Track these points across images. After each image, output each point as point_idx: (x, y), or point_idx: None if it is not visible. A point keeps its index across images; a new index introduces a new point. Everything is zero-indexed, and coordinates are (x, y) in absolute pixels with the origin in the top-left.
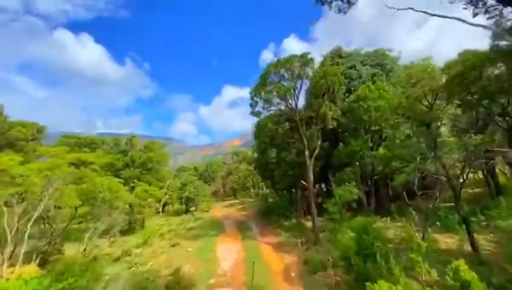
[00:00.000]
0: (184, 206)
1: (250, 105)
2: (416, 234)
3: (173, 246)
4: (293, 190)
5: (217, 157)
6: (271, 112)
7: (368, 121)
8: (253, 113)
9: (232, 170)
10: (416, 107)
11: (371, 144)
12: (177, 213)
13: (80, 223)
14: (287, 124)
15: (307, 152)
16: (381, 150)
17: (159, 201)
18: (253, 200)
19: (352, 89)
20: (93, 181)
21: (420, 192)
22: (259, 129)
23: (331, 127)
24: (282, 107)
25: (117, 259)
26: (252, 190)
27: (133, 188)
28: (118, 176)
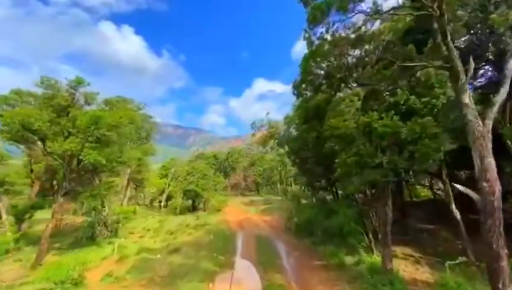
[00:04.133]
0: (190, 202)
1: None
2: None
3: None
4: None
5: (240, 147)
6: None
7: None
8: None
9: (256, 160)
10: None
11: None
12: (180, 211)
13: None
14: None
15: (466, 97)
16: None
17: (162, 193)
18: (280, 198)
19: None
20: None
21: None
22: (308, 64)
23: None
24: None
25: None
26: (278, 186)
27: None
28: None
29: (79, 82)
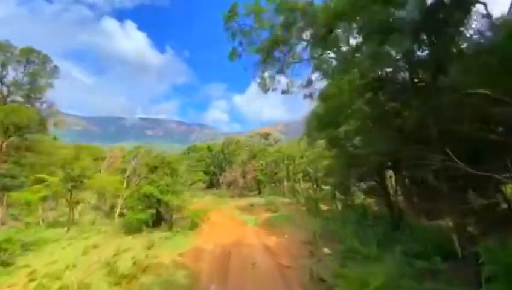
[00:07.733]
0: (154, 211)
1: None
2: None
3: None
4: None
5: (240, 136)
6: None
7: None
8: None
9: (258, 152)
10: None
11: None
12: (138, 227)
13: None
14: None
15: None
16: None
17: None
18: (287, 200)
19: None
20: None
21: None
22: None
23: None
24: None
25: None
26: (285, 184)
27: None
28: None
29: None
